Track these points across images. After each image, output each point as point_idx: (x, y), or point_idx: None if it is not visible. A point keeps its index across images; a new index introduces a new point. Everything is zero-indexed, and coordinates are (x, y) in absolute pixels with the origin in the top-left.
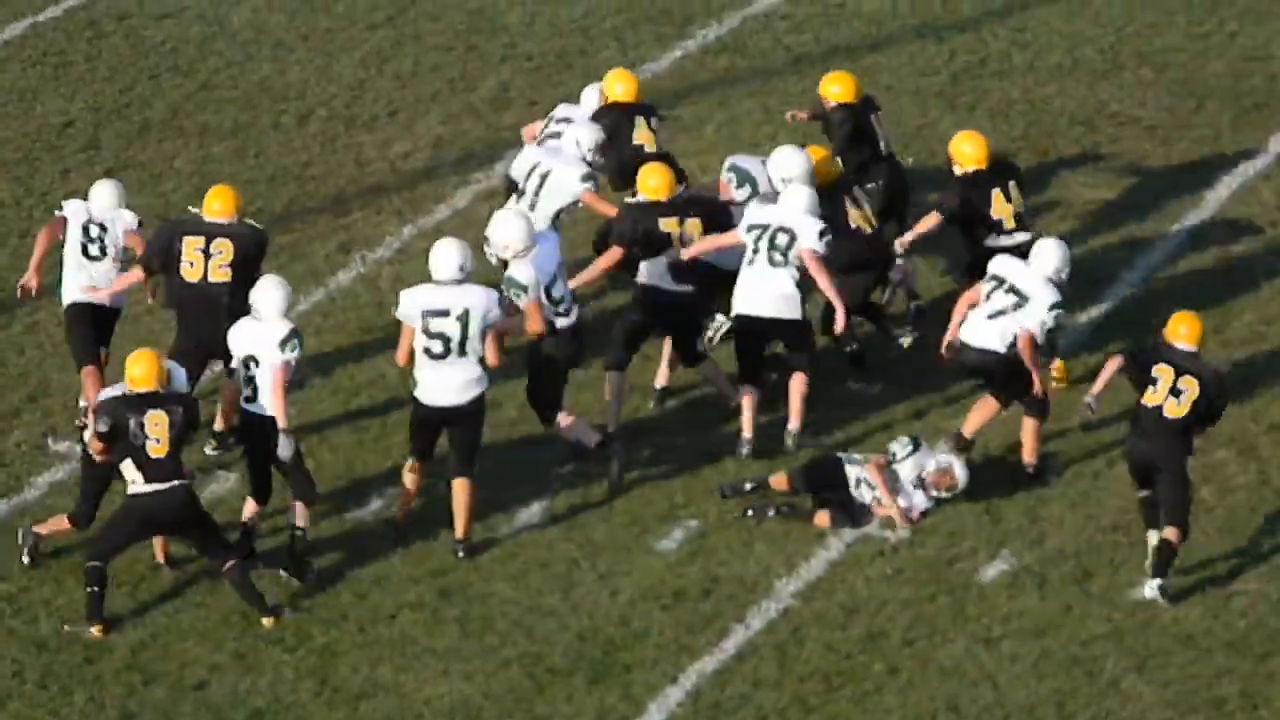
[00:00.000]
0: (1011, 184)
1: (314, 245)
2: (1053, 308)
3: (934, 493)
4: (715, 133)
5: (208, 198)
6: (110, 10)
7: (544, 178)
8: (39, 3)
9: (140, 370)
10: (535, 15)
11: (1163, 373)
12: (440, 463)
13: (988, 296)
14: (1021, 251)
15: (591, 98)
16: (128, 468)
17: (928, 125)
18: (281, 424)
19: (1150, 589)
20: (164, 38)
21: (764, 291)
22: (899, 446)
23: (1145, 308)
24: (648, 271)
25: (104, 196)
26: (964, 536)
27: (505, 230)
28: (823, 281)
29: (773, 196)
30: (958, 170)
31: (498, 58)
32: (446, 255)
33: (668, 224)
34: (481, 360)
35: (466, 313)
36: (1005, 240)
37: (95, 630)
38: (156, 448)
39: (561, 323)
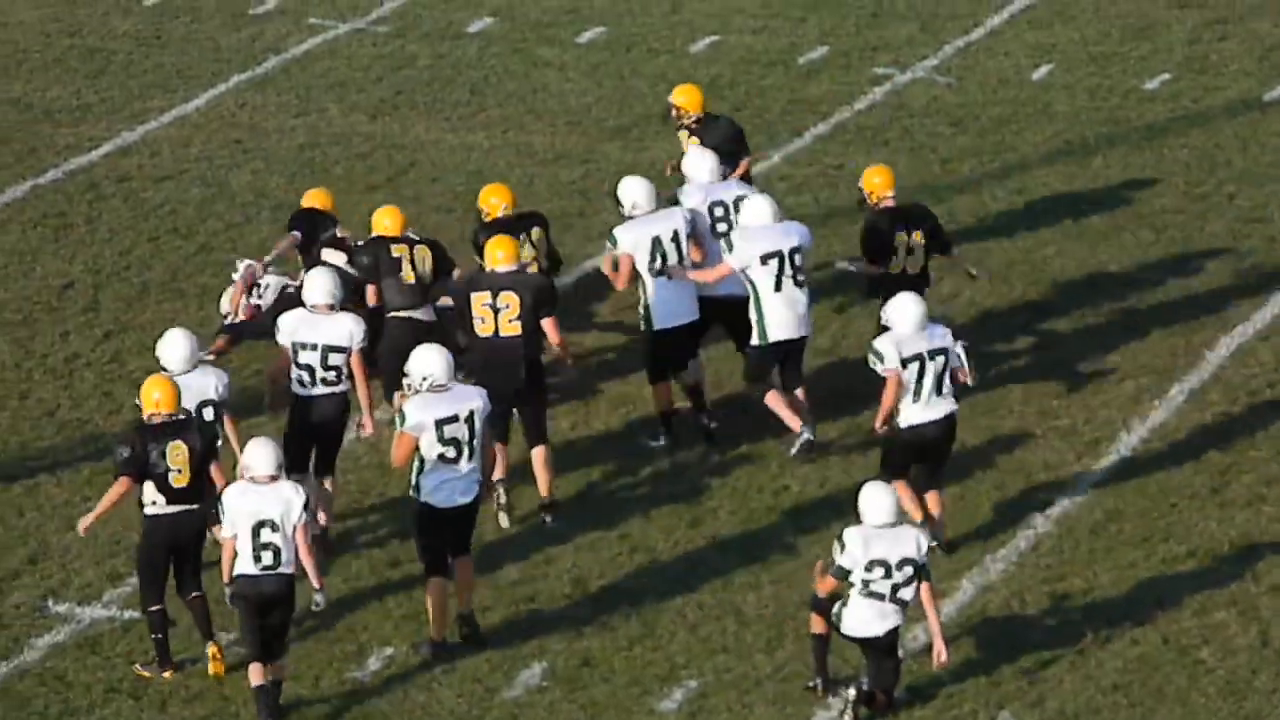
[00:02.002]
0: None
1: None
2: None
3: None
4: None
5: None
6: (110, 173)
7: None
8: (40, 165)
9: (160, 395)
10: (534, 176)
11: None
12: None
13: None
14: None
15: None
16: (148, 489)
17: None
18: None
19: None
20: (164, 200)
21: (796, 313)
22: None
23: (1145, 468)
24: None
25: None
26: (963, 698)
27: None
28: None
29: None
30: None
31: None
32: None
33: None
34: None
35: (472, 414)
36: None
37: (166, 674)
38: (179, 478)
39: None
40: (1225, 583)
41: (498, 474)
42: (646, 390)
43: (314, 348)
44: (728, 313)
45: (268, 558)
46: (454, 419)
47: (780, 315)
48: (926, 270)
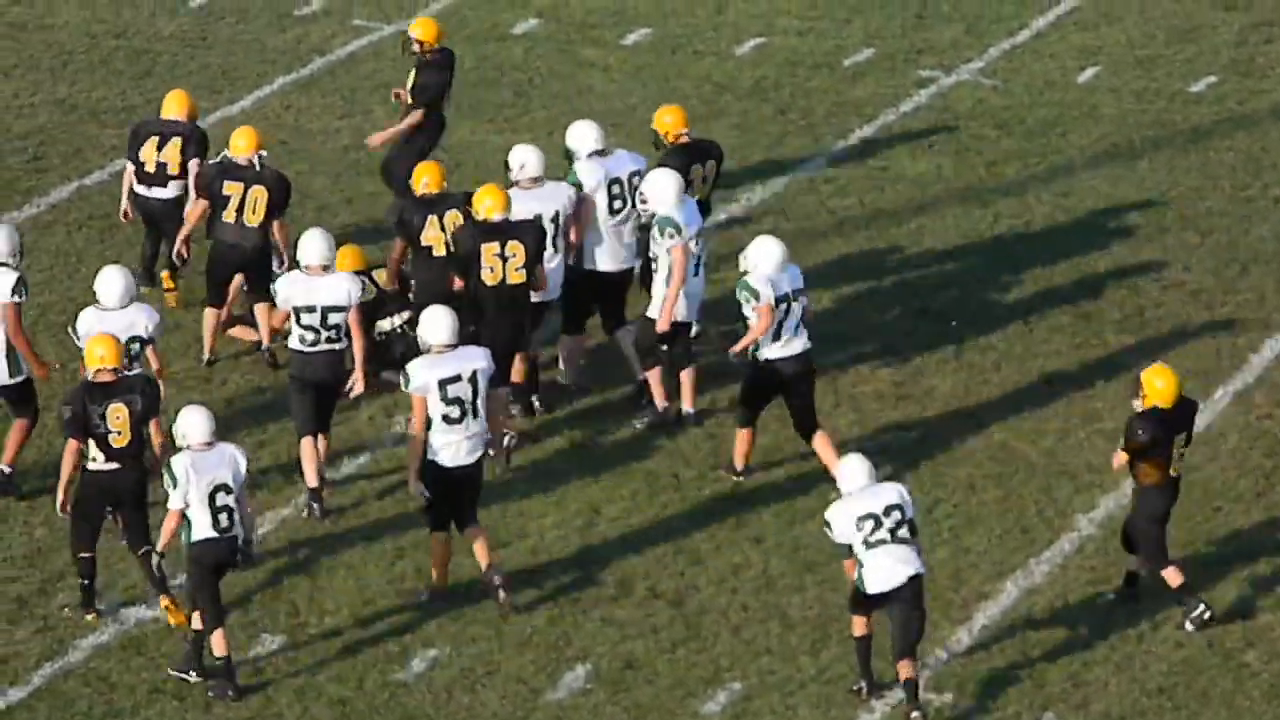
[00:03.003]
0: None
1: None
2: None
3: None
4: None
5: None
6: None
7: None
8: (85, 166)
9: (104, 352)
10: None
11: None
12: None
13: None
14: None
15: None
16: (90, 446)
17: (972, 287)
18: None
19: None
20: None
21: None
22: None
23: (1189, 471)
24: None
25: None
26: (1007, 701)
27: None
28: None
29: None
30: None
31: None
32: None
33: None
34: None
35: (475, 374)
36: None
37: (89, 617)
38: (118, 439)
39: None
40: (1270, 586)
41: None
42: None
43: (313, 310)
44: (610, 288)
45: (224, 520)
46: (457, 378)
47: (680, 300)
48: (709, 201)
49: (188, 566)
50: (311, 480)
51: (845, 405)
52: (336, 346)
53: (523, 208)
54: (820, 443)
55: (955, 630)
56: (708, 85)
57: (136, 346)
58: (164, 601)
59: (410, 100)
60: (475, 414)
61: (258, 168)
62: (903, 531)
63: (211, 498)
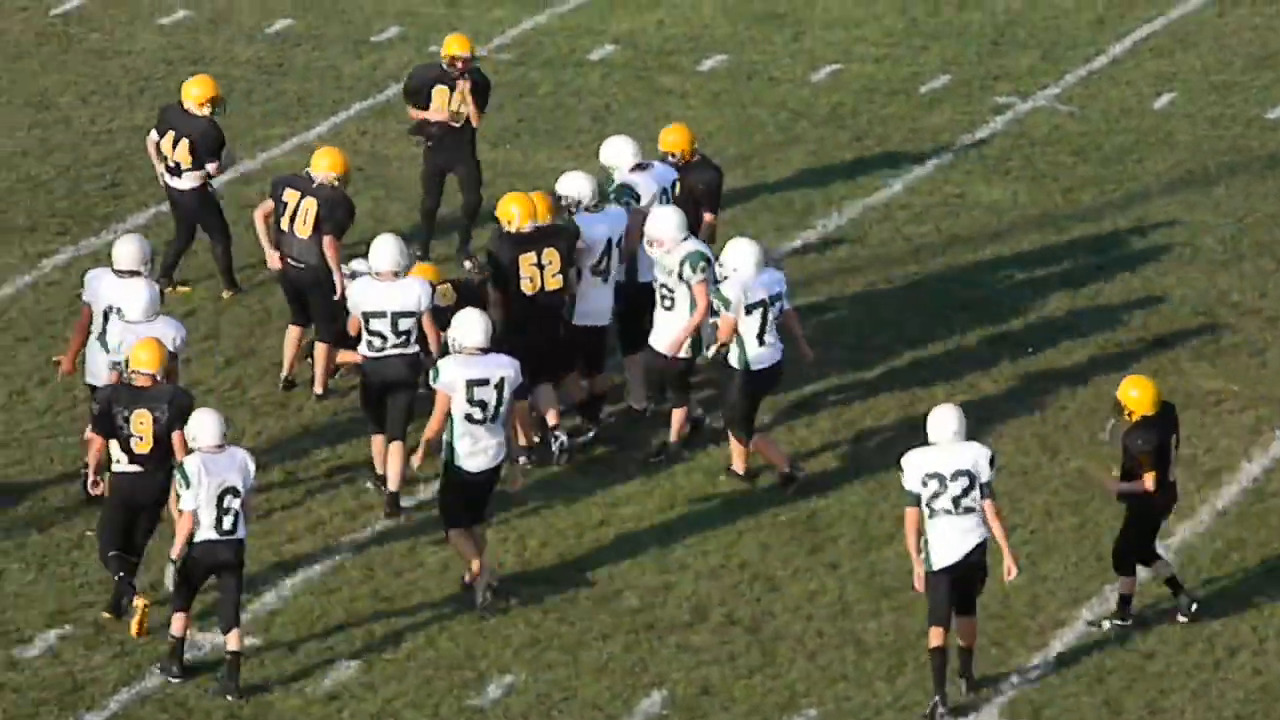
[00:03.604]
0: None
1: None
2: None
3: None
4: (837, 322)
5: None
6: (232, 200)
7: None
8: (162, 192)
9: (144, 355)
10: None
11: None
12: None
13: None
14: None
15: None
16: (114, 447)
17: (1048, 315)
18: None
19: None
20: None
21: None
22: None
23: (1267, 498)
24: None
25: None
26: None
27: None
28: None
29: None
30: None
31: None
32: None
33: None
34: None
35: (503, 381)
36: None
37: (139, 602)
38: (140, 444)
39: None
40: None
41: (521, 441)
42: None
43: (383, 315)
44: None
45: (228, 523)
46: (485, 382)
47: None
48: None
49: (184, 561)
50: (379, 467)
51: (920, 433)
52: (406, 351)
53: (593, 232)
54: (761, 445)
55: (1031, 656)
56: (784, 112)
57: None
58: (139, 602)
59: (479, 113)
60: (496, 419)
61: (327, 184)
62: (968, 500)
63: (219, 499)
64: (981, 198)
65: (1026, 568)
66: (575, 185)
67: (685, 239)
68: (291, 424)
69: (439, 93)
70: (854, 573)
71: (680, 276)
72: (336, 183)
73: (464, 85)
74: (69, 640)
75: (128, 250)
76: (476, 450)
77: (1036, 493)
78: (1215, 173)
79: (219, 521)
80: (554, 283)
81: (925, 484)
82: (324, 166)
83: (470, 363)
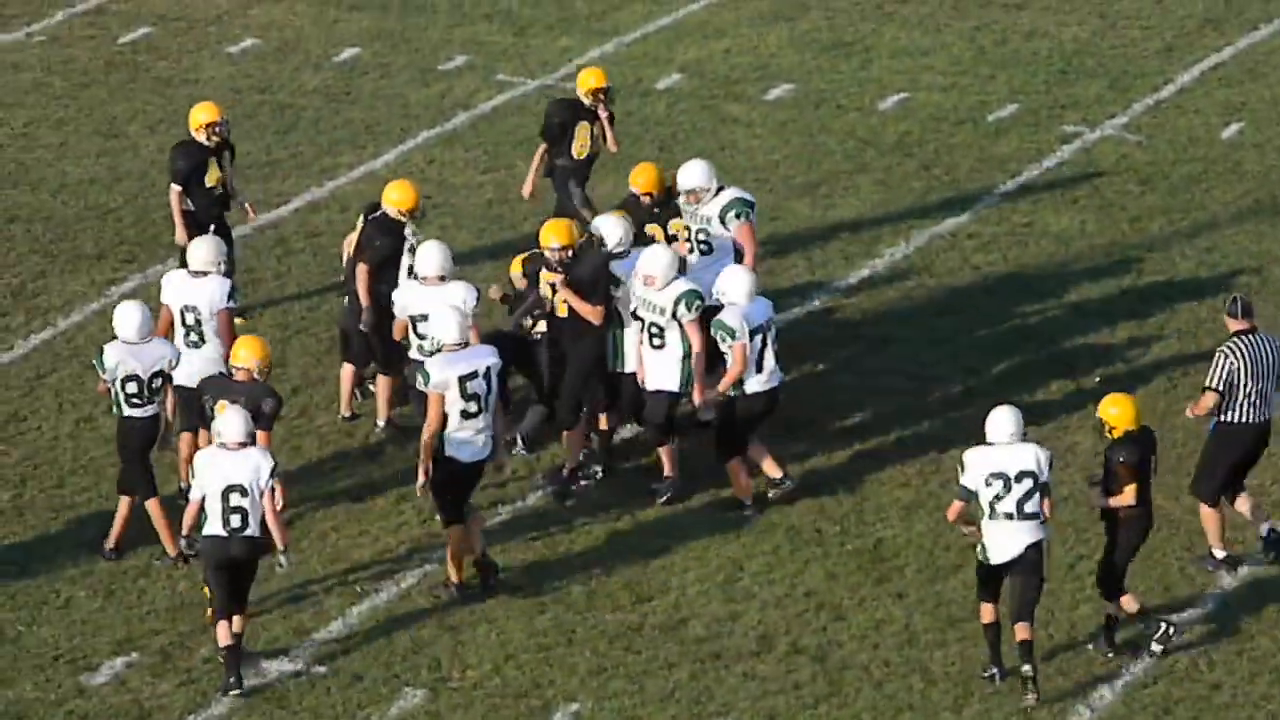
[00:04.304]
0: None
1: None
2: None
3: None
4: (903, 352)
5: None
6: (300, 228)
7: None
8: (231, 219)
9: (244, 352)
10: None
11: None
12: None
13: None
14: None
15: None
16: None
17: (1115, 343)
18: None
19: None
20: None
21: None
22: None
23: None
24: None
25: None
26: None
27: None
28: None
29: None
30: None
31: None
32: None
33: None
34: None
35: (489, 370)
36: None
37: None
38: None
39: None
40: None
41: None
42: (817, 447)
43: (428, 318)
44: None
45: (236, 521)
46: (474, 375)
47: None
48: None
49: (196, 555)
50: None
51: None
52: None
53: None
54: (735, 468)
55: (1099, 688)
56: (851, 141)
57: (159, 381)
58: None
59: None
60: (489, 409)
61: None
62: (1030, 505)
63: (225, 496)
64: (1049, 227)
65: (1095, 597)
66: (606, 227)
67: (677, 278)
68: (357, 452)
69: (582, 129)
70: (920, 602)
71: (674, 315)
72: (415, 218)
73: (605, 117)
74: (136, 667)
75: (201, 251)
76: (470, 441)
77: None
78: None
79: (225, 519)
80: (562, 309)
81: (989, 484)
82: (391, 199)
83: (455, 359)
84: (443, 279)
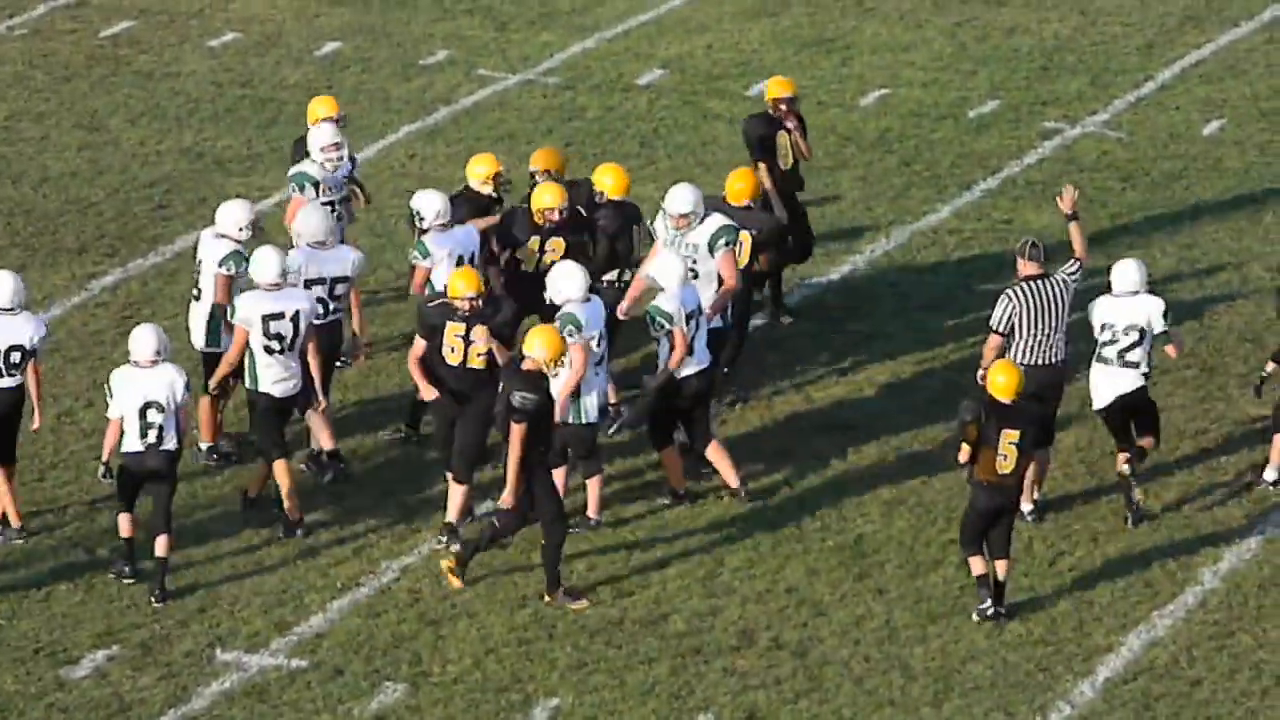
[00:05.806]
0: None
1: None
2: None
3: None
4: (884, 348)
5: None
6: (281, 222)
7: None
8: (211, 214)
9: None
10: None
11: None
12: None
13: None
14: None
15: None
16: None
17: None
18: None
19: None
20: None
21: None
22: None
23: None
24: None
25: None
26: None
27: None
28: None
29: None
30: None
31: None
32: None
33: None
34: None
35: (298, 314)
36: None
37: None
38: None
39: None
40: None
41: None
42: (799, 446)
43: (321, 281)
44: None
45: (152, 435)
46: (280, 315)
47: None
48: None
49: (118, 470)
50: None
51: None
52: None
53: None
54: (715, 453)
55: (1078, 683)
56: (832, 137)
57: (17, 356)
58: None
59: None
60: (294, 349)
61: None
62: (1133, 354)
63: (143, 412)
64: (1030, 223)
65: (1074, 593)
66: (423, 202)
67: (708, 214)
68: (338, 445)
69: (781, 138)
70: (901, 598)
71: (710, 250)
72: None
73: (794, 124)
74: (116, 661)
75: (230, 213)
76: (281, 380)
77: (1084, 518)
78: (1264, 200)
79: (143, 433)
80: (476, 361)
81: (1102, 331)
82: (475, 175)
83: (265, 297)
84: (322, 243)
